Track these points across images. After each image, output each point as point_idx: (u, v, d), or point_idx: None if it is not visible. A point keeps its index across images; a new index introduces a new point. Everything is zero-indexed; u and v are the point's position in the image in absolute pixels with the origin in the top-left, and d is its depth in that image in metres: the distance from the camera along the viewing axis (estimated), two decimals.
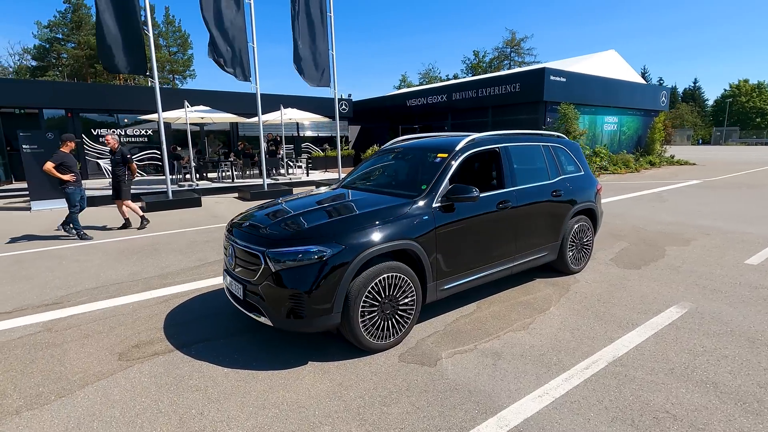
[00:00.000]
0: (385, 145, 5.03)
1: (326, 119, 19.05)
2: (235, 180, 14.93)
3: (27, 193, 11.26)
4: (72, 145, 7.29)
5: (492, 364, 3.05)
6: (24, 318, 4.06)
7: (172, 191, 11.36)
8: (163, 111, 14.35)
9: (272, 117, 15.81)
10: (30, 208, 10.76)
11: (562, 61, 23.37)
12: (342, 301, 3.00)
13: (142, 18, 10.68)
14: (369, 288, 3.09)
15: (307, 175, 16.46)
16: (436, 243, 3.47)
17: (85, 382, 2.93)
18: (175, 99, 15.30)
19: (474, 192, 3.57)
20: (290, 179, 15.31)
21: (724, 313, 3.83)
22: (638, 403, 2.58)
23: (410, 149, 4.55)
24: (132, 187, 8.19)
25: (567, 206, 4.67)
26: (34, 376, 3.04)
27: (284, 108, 15.81)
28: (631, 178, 15.54)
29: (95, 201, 11.59)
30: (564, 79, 16.54)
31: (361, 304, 3.06)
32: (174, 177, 14.79)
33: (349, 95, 23.02)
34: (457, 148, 3.95)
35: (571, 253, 4.84)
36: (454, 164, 3.83)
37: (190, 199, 10.86)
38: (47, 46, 44.69)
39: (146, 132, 17.81)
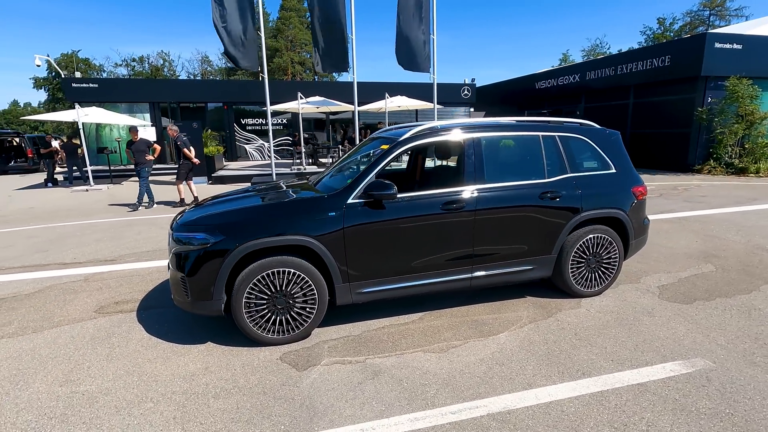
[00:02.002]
0: (373, 134, 4.78)
1: (444, 106, 18.66)
2: None
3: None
4: (136, 135, 9.18)
5: (358, 383, 2.74)
6: (82, 268, 5.27)
7: (276, 173, 12.84)
8: (287, 102, 16.22)
9: (378, 105, 16.27)
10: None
11: (750, 22, 17.75)
12: (222, 290, 3.07)
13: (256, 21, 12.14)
14: (255, 280, 3.08)
15: None
16: (345, 243, 3.22)
17: (56, 325, 3.70)
18: (293, 91, 17.02)
19: (390, 190, 3.18)
20: None
21: (753, 386, 2.59)
22: None
23: (376, 139, 4.23)
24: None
25: (567, 212, 3.73)
26: (39, 312, 3.96)
27: (390, 96, 16.08)
28: None
29: (224, 180, 13.92)
30: (739, 46, 12.62)
31: (246, 295, 3.08)
32: (291, 161, 16.67)
33: (473, 80, 21.93)
34: (400, 140, 3.54)
35: (576, 272, 3.87)
36: (388, 158, 3.45)
37: None
38: None
39: (282, 121, 20.38)
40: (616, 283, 4.30)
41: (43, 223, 8.06)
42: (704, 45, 12.40)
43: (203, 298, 3.09)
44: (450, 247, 3.49)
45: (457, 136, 3.63)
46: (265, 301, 3.14)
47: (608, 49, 56.30)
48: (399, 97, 16.64)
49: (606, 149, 4.02)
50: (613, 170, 3.99)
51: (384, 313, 3.76)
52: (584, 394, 2.56)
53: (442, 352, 3.11)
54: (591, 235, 3.84)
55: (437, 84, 21.90)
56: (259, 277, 3.09)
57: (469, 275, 3.60)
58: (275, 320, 3.19)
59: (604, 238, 3.89)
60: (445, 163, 4.63)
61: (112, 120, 15.56)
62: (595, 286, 3.98)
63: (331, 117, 21.30)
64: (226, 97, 19.24)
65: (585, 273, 3.91)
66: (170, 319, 3.76)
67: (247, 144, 20.05)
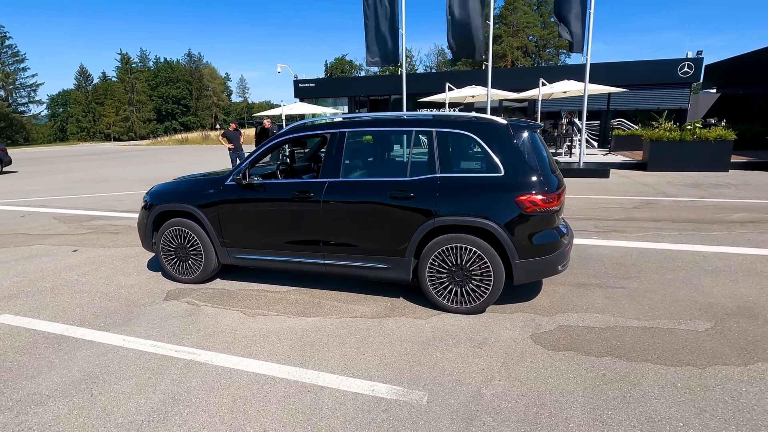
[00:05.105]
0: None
1: (639, 88, 15.43)
2: None
3: None
4: (234, 126, 11.40)
5: (172, 316, 3.64)
6: None
7: None
8: (447, 92, 16.78)
9: (532, 93, 14.85)
10: None
11: None
12: (151, 235, 4.44)
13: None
14: (165, 232, 4.33)
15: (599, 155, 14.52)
16: (218, 215, 4.08)
17: (122, 246, 5.90)
18: (437, 81, 17.22)
19: (237, 175, 3.85)
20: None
21: (424, 430, 2.20)
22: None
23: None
24: None
25: (418, 215, 3.45)
26: (123, 239, 6.30)
27: (554, 81, 14.44)
28: None
29: None
30: None
31: (161, 243, 4.37)
32: None
33: (698, 53, 16.69)
34: (281, 132, 4.06)
35: (438, 282, 3.53)
36: (263, 148, 4.04)
37: None
38: None
39: (455, 111, 20.94)
40: (516, 310, 3.58)
41: None
42: None
43: (144, 240, 4.56)
44: (299, 232, 3.86)
45: (325, 130, 3.88)
46: (172, 249, 4.36)
47: None
48: (565, 81, 14.75)
49: (497, 149, 3.39)
50: (500, 173, 3.36)
51: (273, 281, 4.40)
52: (264, 374, 2.75)
53: (251, 316, 3.63)
54: (452, 244, 3.42)
55: (643, 62, 18.18)
56: (167, 231, 4.32)
57: (322, 261, 3.87)
58: (180, 265, 4.38)
59: (470, 250, 3.39)
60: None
61: (313, 111, 19.68)
62: (463, 303, 3.51)
63: (503, 104, 20.52)
64: (406, 89, 21.13)
65: (449, 286, 3.52)
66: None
67: None
